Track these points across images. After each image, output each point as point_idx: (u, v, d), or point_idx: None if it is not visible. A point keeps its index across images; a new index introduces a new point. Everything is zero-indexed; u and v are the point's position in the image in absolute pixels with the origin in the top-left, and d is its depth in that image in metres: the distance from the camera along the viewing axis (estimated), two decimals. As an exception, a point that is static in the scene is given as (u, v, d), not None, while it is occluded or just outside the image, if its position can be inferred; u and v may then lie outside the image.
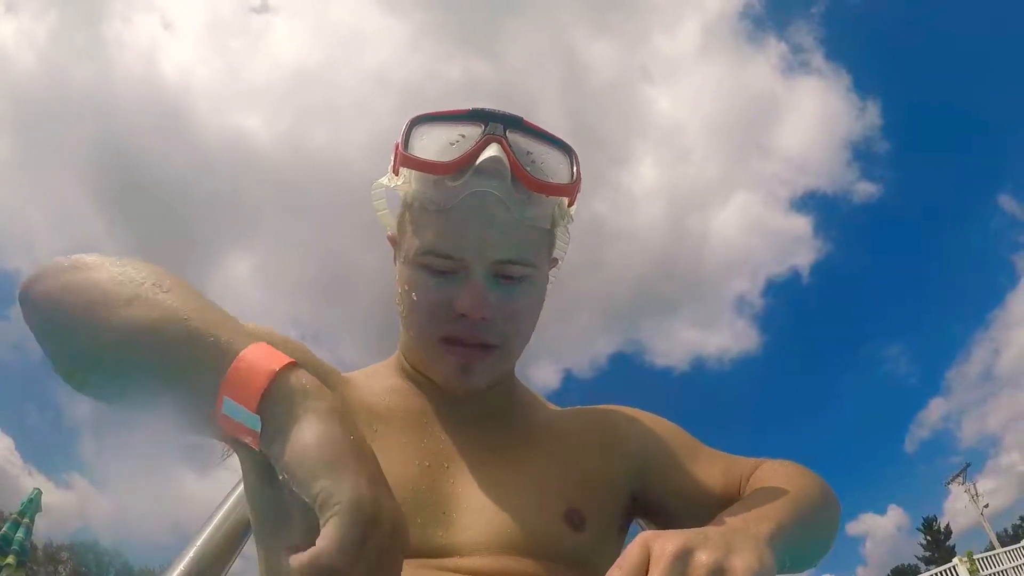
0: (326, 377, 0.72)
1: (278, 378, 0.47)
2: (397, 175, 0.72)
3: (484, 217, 0.68)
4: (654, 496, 0.80)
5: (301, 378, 0.48)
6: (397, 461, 0.68)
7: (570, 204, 0.75)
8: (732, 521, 0.61)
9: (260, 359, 0.48)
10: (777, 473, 0.77)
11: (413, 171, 0.70)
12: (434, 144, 0.70)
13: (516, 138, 0.70)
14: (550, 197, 0.71)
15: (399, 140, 0.71)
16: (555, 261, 0.81)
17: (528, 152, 0.70)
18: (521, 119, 0.71)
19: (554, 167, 0.72)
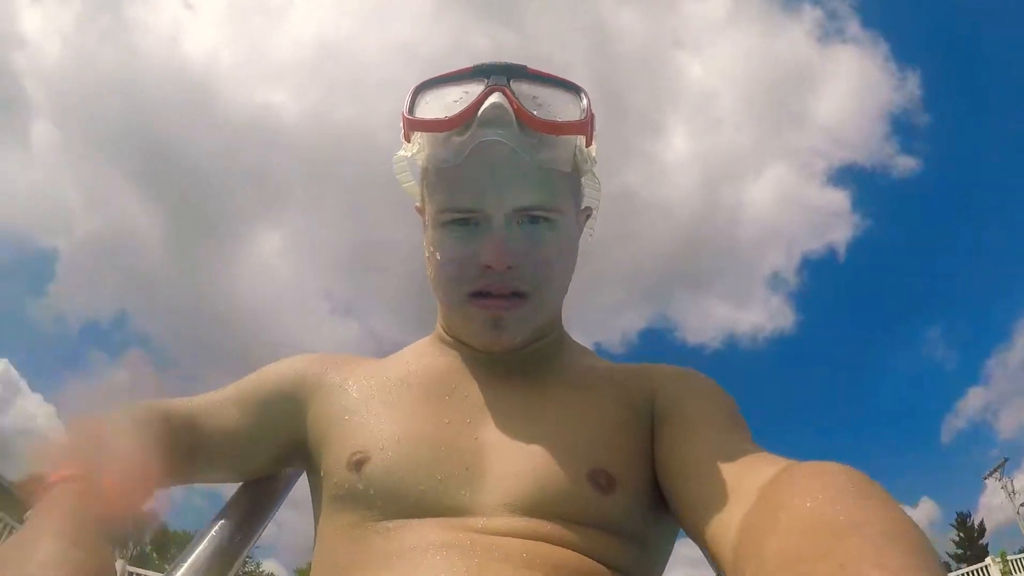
0: (341, 366, 0.79)
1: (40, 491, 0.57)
2: (409, 142, 0.72)
3: (496, 165, 0.67)
4: (658, 459, 0.69)
5: (49, 496, 0.56)
6: (416, 421, 0.69)
7: (588, 144, 0.73)
8: None
9: (42, 482, 0.58)
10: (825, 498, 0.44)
11: (425, 136, 0.70)
12: (439, 105, 0.69)
13: (520, 86, 0.69)
14: (565, 139, 0.70)
15: (405, 106, 0.71)
16: (588, 210, 0.79)
17: (534, 96, 0.69)
18: (524, 67, 0.70)
19: (563, 107, 0.70)
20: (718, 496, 0.54)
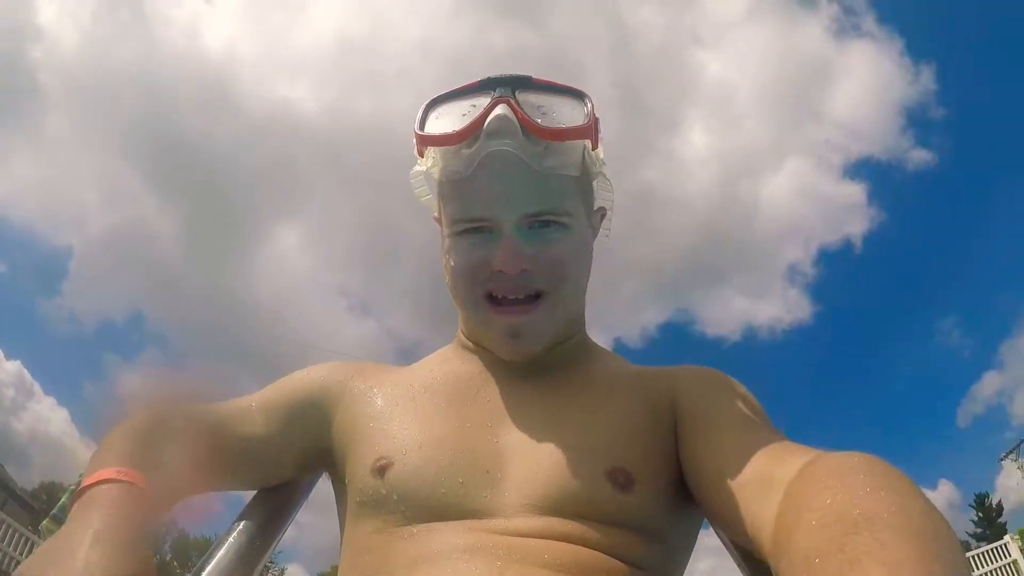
0: (364, 374, 0.81)
1: (80, 495, 0.59)
2: (423, 157, 0.75)
3: (504, 174, 0.69)
4: (685, 458, 0.70)
5: (88, 496, 0.59)
6: (437, 426, 0.71)
7: (594, 147, 0.75)
8: None
9: (85, 483, 0.60)
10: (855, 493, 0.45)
11: (437, 150, 0.73)
12: (449, 119, 0.73)
13: (526, 96, 0.71)
14: (572, 144, 0.72)
15: (416, 122, 0.74)
16: (602, 211, 0.82)
17: (539, 106, 0.71)
18: (529, 77, 0.73)
19: (568, 114, 0.73)
20: (751, 493, 0.56)
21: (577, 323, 0.84)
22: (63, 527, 0.54)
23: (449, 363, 0.82)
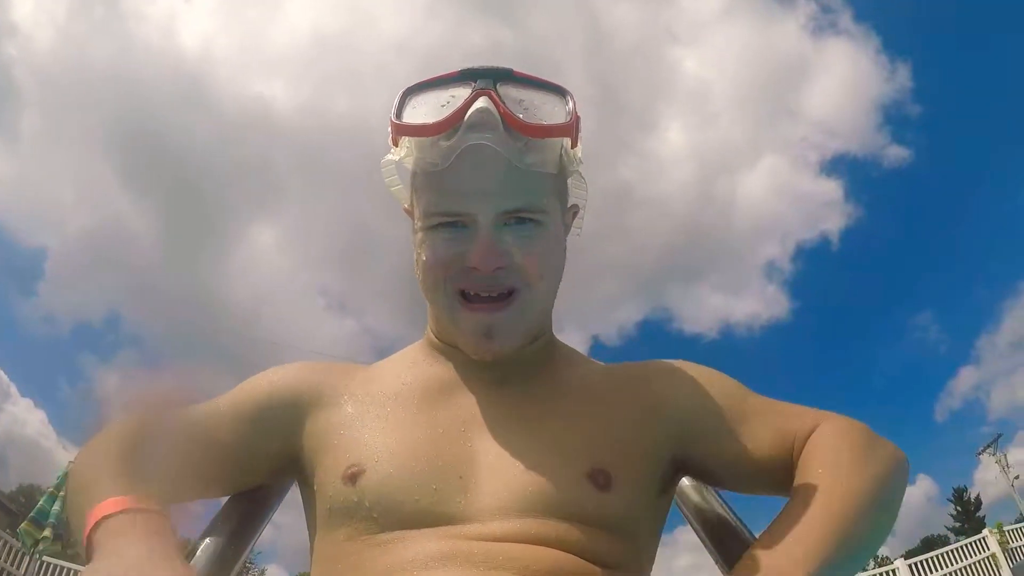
0: (333, 377, 0.79)
1: (97, 525, 0.58)
2: (397, 146, 0.73)
3: (483, 169, 0.68)
4: (697, 460, 0.76)
5: (113, 524, 0.58)
6: (409, 433, 0.70)
7: (573, 145, 0.73)
8: (768, 559, 0.58)
9: (95, 513, 0.59)
10: (834, 450, 0.70)
11: (413, 139, 0.70)
12: (426, 109, 0.70)
13: (507, 89, 0.69)
14: (551, 141, 0.70)
15: (392, 110, 0.72)
16: (575, 208, 0.80)
17: (520, 100, 0.70)
18: (511, 71, 0.71)
19: (549, 110, 0.71)
20: (772, 478, 0.74)
21: (546, 323, 0.83)
22: (102, 559, 0.54)
23: (419, 367, 0.80)
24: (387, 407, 0.74)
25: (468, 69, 0.71)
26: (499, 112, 0.67)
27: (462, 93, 0.69)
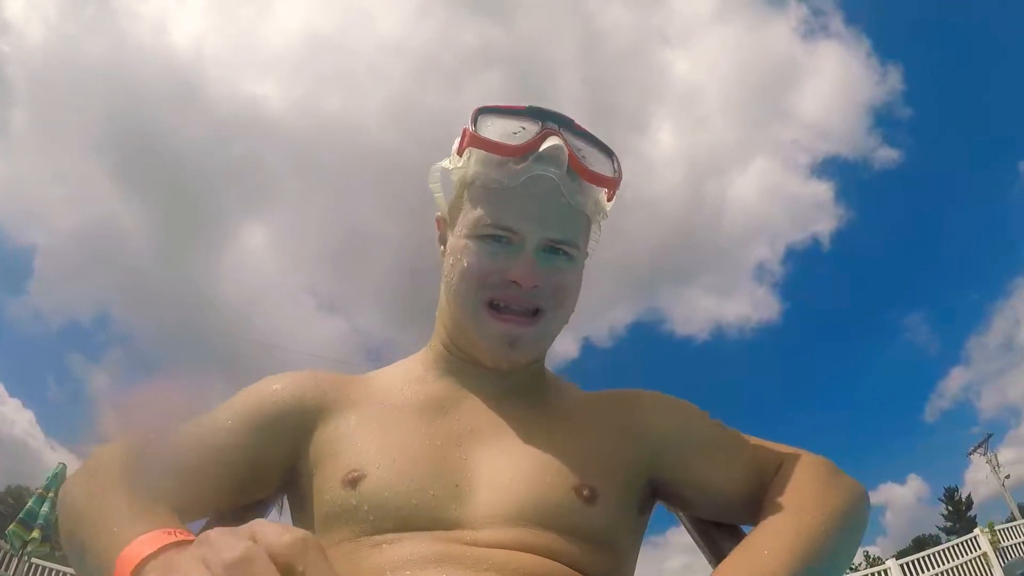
0: (337, 388, 0.81)
1: (139, 569, 0.51)
2: (460, 156, 0.79)
3: (543, 197, 0.75)
4: (671, 485, 0.81)
5: (160, 566, 0.51)
6: (409, 441, 0.73)
7: (609, 199, 0.82)
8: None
9: (131, 555, 0.52)
10: (799, 483, 0.76)
11: (475, 154, 0.78)
12: (498, 132, 0.77)
13: (569, 136, 0.78)
14: (597, 188, 0.80)
15: (468, 125, 0.78)
16: (586, 255, 0.86)
17: (579, 148, 0.78)
18: (572, 120, 0.79)
19: (599, 163, 0.80)
20: (742, 506, 0.80)
21: (546, 351, 0.89)
22: None
23: (420, 380, 0.84)
24: (389, 417, 0.77)
25: (535, 107, 0.79)
26: (568, 153, 0.75)
27: (532, 127, 0.77)
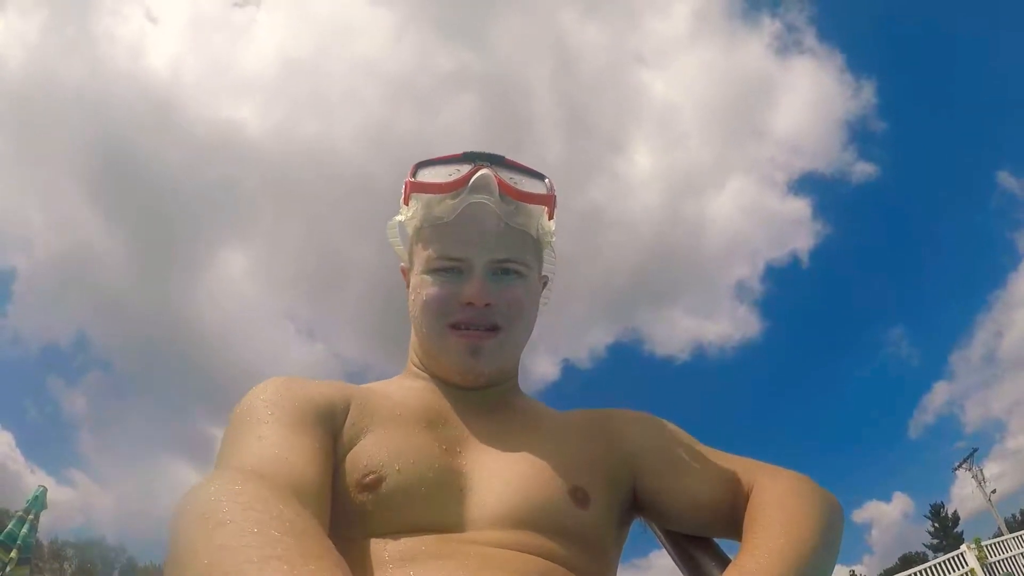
0: (351, 393, 0.83)
1: None
2: (407, 205, 0.88)
3: (481, 223, 0.83)
4: (649, 494, 0.86)
5: None
6: (420, 442, 0.78)
7: (550, 218, 0.90)
8: None
9: None
10: (781, 498, 0.78)
11: (421, 200, 0.87)
12: (435, 178, 0.87)
13: (499, 169, 0.86)
14: (534, 209, 0.88)
15: (408, 177, 0.88)
16: (545, 279, 0.95)
17: (511, 176, 0.87)
18: (503, 157, 0.88)
19: (532, 186, 0.88)
20: (721, 510, 0.83)
21: (515, 369, 0.96)
22: None
23: (413, 393, 0.88)
24: (399, 423, 0.81)
25: (469, 152, 0.87)
26: (496, 179, 0.83)
27: (464, 167, 0.85)
